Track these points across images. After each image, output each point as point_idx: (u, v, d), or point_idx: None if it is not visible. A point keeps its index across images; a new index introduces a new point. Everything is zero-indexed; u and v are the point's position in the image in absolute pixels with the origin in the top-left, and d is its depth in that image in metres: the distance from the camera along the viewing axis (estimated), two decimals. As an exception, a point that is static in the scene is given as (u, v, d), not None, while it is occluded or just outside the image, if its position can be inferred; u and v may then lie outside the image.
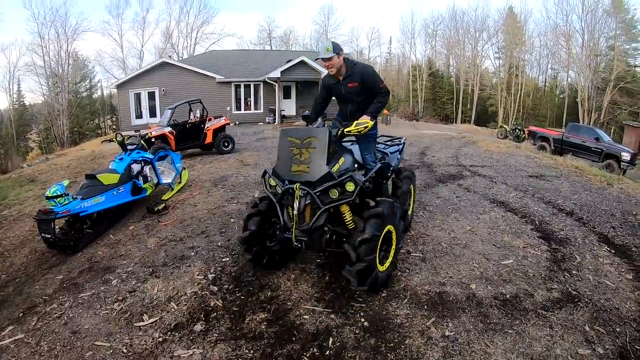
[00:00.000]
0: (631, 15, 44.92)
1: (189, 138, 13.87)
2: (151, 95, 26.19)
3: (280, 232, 4.16)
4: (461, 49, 59.42)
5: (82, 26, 59.92)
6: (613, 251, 5.75)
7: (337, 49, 4.33)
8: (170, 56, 38.00)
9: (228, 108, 25.48)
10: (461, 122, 51.57)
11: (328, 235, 4.07)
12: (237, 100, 26.09)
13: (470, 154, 13.46)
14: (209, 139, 14.12)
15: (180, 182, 9.04)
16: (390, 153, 5.82)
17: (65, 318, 4.18)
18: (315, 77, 24.43)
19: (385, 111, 31.81)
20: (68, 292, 4.76)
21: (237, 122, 25.07)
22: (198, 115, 14.82)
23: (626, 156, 18.37)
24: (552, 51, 53.69)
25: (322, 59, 4.37)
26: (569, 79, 52.03)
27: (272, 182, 4.10)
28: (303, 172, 3.86)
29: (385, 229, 3.99)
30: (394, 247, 4.28)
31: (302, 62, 23.90)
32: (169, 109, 14.58)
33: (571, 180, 10.19)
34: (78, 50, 54.29)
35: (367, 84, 4.47)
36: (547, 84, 59.73)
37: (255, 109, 26.36)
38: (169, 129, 13.52)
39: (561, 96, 55.55)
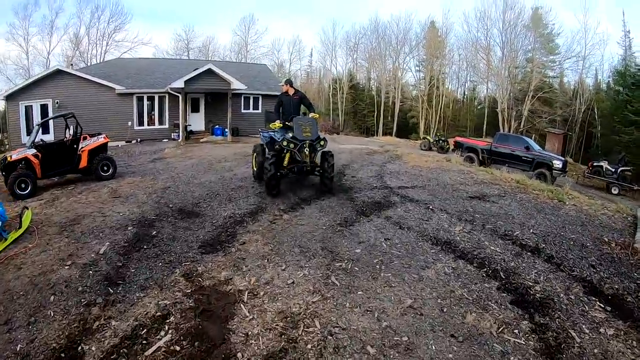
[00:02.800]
0: (549, 30, 47.22)
1: (59, 162, 11.41)
2: (44, 109, 22.66)
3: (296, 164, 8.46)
4: (382, 62, 59.41)
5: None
6: (608, 308, 4.39)
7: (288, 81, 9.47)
8: (72, 64, 33.78)
9: (129, 123, 22.62)
10: (382, 135, 51.03)
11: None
12: (140, 114, 23.03)
13: (396, 172, 11.85)
14: (83, 162, 11.73)
15: (18, 229, 6.94)
16: None
17: None
18: (225, 87, 21.97)
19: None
20: None
21: (139, 139, 22.35)
22: (71, 132, 11.91)
23: (558, 164, 17.90)
24: (472, 64, 54.99)
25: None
26: (488, 90, 53.66)
27: (289, 142, 8.24)
28: (308, 136, 8.29)
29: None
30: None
31: (210, 71, 21.30)
32: (37, 125, 11.92)
33: (518, 199, 8.98)
34: None
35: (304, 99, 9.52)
36: (466, 95, 61.33)
37: (160, 123, 23.43)
38: (33, 151, 11.04)
39: (479, 107, 57.08)
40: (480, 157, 19.79)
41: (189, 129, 22.93)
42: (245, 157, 14.29)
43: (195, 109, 24.51)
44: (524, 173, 16.12)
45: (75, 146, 11.56)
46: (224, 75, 21.51)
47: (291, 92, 9.32)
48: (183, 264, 5.45)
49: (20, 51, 49.15)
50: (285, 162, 8.55)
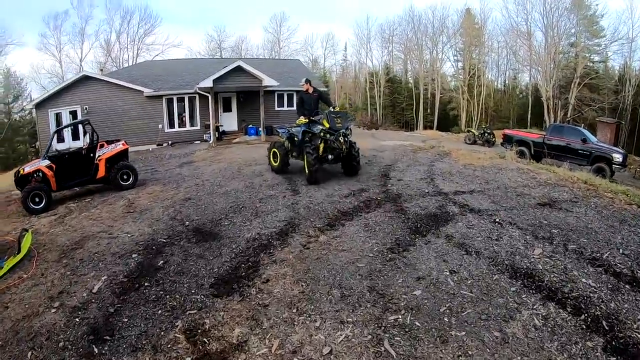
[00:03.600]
0: (592, 11, 43.58)
1: (75, 172, 10.56)
2: (74, 115, 22.35)
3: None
4: (420, 52, 56.89)
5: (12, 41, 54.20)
6: None
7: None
8: (102, 70, 33.63)
9: (160, 126, 21.75)
10: (423, 128, 48.68)
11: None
12: (170, 116, 22.15)
13: (448, 172, 10.41)
14: (101, 171, 10.82)
15: (17, 254, 6.21)
16: None
17: None
18: (256, 84, 20.75)
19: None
20: None
21: (170, 142, 21.50)
22: (88, 140, 11.03)
23: (618, 158, 15.83)
24: (512, 51, 51.89)
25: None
26: (532, 78, 50.64)
27: (326, 133, 9.18)
28: (340, 127, 9.19)
29: None
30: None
31: (239, 69, 20.07)
32: (53, 133, 11.15)
33: (593, 206, 7.39)
34: (10, 66, 48.57)
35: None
36: (507, 84, 57.86)
37: (192, 125, 22.49)
38: (47, 162, 10.27)
39: (520, 96, 54.20)
40: (532, 151, 17.93)
41: (221, 129, 21.90)
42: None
43: (228, 109, 23.46)
44: (581, 168, 14.53)
45: (91, 155, 10.65)
46: (254, 72, 20.32)
47: (310, 90, 10.30)
48: (187, 312, 4.22)
49: (54, 60, 50.06)
50: (320, 151, 9.37)
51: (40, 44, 65.94)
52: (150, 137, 21.40)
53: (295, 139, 10.09)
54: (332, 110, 9.79)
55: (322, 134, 9.24)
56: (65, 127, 11.21)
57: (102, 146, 10.85)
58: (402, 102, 57.27)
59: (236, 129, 23.23)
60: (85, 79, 22.13)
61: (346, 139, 9.35)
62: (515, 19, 49.63)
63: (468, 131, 29.32)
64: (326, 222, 6.69)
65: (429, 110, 54.37)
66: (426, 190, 8.45)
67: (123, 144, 11.10)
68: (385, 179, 9.62)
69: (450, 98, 54.47)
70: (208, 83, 19.07)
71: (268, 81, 20.38)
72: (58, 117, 22.40)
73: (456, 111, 54.03)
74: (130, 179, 10.76)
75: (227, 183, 10.11)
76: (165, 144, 21.48)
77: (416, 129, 49.52)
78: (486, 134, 26.25)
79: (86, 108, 21.75)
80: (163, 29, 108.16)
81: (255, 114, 21.71)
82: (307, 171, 9.47)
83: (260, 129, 21.40)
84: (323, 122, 9.40)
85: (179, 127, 22.42)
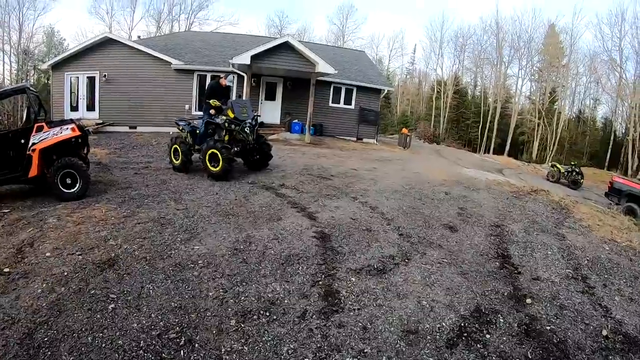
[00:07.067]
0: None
1: None
2: (91, 81, 19.20)
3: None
4: (496, 67, 50.75)
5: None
6: None
7: None
8: (139, 36, 30.23)
9: (187, 106, 17.88)
10: (492, 152, 42.60)
11: None
12: (201, 96, 18.06)
13: (599, 262, 5.79)
14: (34, 168, 6.75)
15: None
16: None
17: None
18: (308, 69, 16.17)
19: (404, 129, 23.87)
20: None
21: (202, 129, 17.43)
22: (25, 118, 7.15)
23: None
24: (595, 78, 45.23)
25: None
26: (614, 113, 44.16)
27: (230, 123, 8.52)
28: (246, 116, 8.70)
29: None
30: None
31: (287, 47, 15.50)
32: None
33: None
34: (53, 25, 46.90)
35: None
36: (582, 114, 50.70)
37: (224, 110, 18.42)
38: None
39: (598, 131, 47.88)
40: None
41: (259, 120, 17.67)
42: (325, 185, 8.95)
43: (271, 96, 19.18)
44: None
45: (22, 141, 6.67)
46: (307, 53, 15.70)
47: (224, 84, 9.46)
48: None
49: (104, 25, 47.76)
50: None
51: (92, 8, 64.90)
52: (174, 117, 17.57)
53: (198, 132, 9.22)
54: (237, 99, 10.00)
55: (226, 124, 8.56)
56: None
57: (40, 129, 6.80)
58: (469, 117, 51.03)
59: (278, 122, 18.97)
60: (108, 42, 18.97)
61: (253, 129, 8.91)
62: (604, 44, 43.31)
63: (552, 166, 24.09)
64: None
65: (494, 132, 47.86)
66: (597, 323, 3.84)
67: (73, 129, 6.96)
68: (510, 272, 4.98)
69: (520, 122, 48.20)
70: (245, 59, 14.70)
71: (323, 66, 15.69)
72: (74, 81, 19.48)
73: (526, 136, 47.96)
74: (76, 186, 6.71)
75: (221, 221, 5.81)
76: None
77: (481, 151, 43.79)
78: (574, 173, 21.60)
79: (105, 75, 18.54)
80: (219, 6, 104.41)
81: (304, 108, 17.30)
82: (210, 167, 8.42)
83: (306, 126, 16.99)
84: (227, 112, 8.65)
85: (209, 111, 18.47)
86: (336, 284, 4.13)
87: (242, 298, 3.81)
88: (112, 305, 3.66)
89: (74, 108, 19.43)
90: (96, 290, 3.86)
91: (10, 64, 40.81)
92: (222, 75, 10.33)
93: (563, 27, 47.50)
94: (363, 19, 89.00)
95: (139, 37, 28.93)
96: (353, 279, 4.25)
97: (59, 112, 19.24)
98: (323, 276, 4.29)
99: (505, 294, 4.40)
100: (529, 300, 4.31)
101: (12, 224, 5.57)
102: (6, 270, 4.25)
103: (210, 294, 3.86)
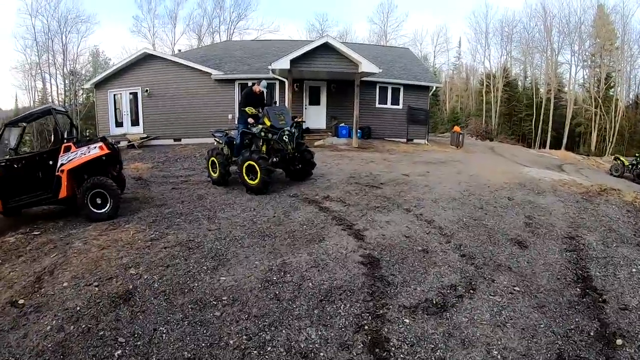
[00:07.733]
0: None
1: (27, 187, 6.69)
2: (134, 97, 19.58)
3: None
4: (546, 55, 47.93)
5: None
6: None
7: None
8: (179, 50, 30.70)
9: (230, 116, 17.58)
10: (549, 146, 40.32)
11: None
12: (243, 105, 17.92)
13: None
14: (64, 189, 6.55)
15: None
16: None
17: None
18: (351, 70, 15.29)
19: (456, 127, 22.66)
20: None
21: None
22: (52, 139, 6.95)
23: None
24: None
25: None
26: None
27: (267, 132, 8.02)
28: (284, 124, 8.20)
29: None
30: None
31: (327, 48, 14.81)
32: (4, 125, 7.30)
33: None
34: (97, 46, 49.28)
35: None
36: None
37: (272, 117, 18.03)
38: None
39: None
40: None
41: (304, 126, 17.14)
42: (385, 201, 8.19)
43: (315, 101, 18.65)
44: None
45: (51, 162, 6.39)
46: (348, 53, 14.91)
47: (258, 91, 8.98)
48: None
49: (147, 43, 48.99)
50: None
51: (133, 27, 67.23)
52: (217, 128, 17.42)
53: (235, 142, 8.77)
54: (273, 106, 9.38)
55: (262, 133, 8.06)
56: (18, 120, 7.10)
57: (67, 149, 6.48)
58: (521, 111, 48.25)
59: (324, 126, 18.40)
60: (147, 58, 19.33)
61: (292, 136, 8.22)
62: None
63: (616, 159, 22.17)
64: None
65: (548, 124, 44.90)
66: None
67: (101, 147, 6.59)
68: (594, 300, 4.02)
69: (576, 111, 45.12)
70: (284, 64, 14.12)
71: (366, 66, 14.82)
72: (117, 98, 19.86)
73: (583, 127, 44.78)
74: (107, 206, 6.33)
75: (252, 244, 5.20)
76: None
77: (536, 145, 41.30)
78: (639, 166, 19.84)
79: (147, 90, 18.80)
80: (258, 15, 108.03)
81: (350, 111, 16.55)
82: (248, 180, 7.95)
83: (353, 129, 16.23)
84: (264, 120, 8.20)
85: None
86: (385, 328, 3.33)
87: (269, 349, 3.09)
88: (119, 352, 3.10)
89: (119, 124, 19.92)
90: (105, 330, 3.34)
91: (57, 85, 42.86)
92: (255, 82, 9.87)
93: (613, 6, 44.23)
94: (404, 16, 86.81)
95: (179, 50, 29.39)
96: (407, 321, 3.44)
97: (104, 128, 19.89)
98: (370, 317, 3.49)
99: (592, 333, 3.44)
100: (619, 341, 3.36)
101: (38, 248, 5.32)
102: (21, 301, 3.89)
103: (232, 341, 3.18)
